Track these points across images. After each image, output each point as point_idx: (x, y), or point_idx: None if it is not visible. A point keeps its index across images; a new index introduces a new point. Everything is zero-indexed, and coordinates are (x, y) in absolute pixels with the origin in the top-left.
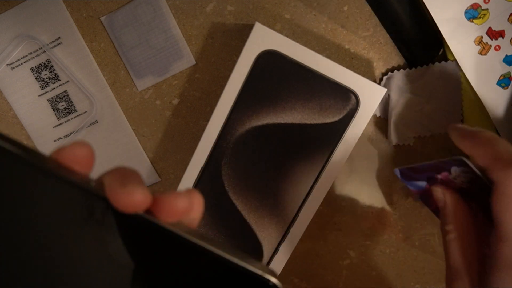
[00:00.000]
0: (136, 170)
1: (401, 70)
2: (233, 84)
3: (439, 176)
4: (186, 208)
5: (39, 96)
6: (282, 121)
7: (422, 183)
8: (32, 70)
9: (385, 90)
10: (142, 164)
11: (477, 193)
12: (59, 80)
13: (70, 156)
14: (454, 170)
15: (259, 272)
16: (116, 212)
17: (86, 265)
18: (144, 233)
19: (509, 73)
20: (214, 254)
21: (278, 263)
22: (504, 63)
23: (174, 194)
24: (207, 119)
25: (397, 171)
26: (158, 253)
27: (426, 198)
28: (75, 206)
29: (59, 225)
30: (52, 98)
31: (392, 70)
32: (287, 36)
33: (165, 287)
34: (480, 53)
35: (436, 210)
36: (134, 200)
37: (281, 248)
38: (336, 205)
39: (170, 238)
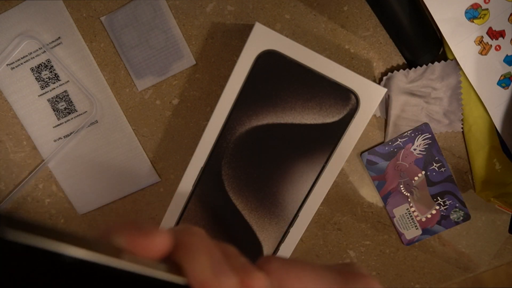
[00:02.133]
0: (211, 240)
1: (401, 70)
2: (233, 84)
3: (402, 151)
4: None
5: (39, 96)
6: (282, 121)
7: (384, 164)
8: (32, 70)
9: (385, 90)
10: (142, 164)
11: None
12: (59, 80)
13: (146, 247)
14: (417, 139)
15: (166, 277)
16: None
17: None
18: None
19: (509, 73)
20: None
21: None
22: (504, 63)
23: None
24: (207, 119)
25: (364, 156)
26: None
27: (381, 184)
28: None
29: None
30: (52, 98)
31: (392, 70)
32: (287, 36)
33: None
34: (481, 53)
35: (387, 195)
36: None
37: (281, 248)
38: (336, 205)
39: None
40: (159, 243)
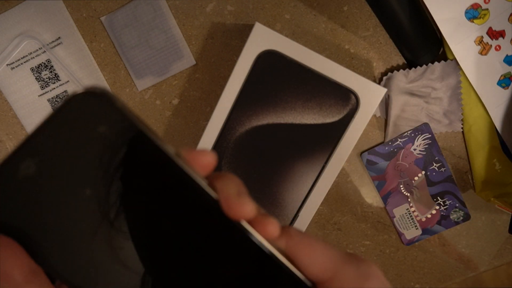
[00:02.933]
0: (242, 182)
1: (401, 70)
2: (233, 84)
3: (402, 151)
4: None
5: (39, 96)
6: (282, 121)
7: (384, 164)
8: (32, 70)
9: (385, 90)
10: None
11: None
12: (59, 80)
13: (198, 159)
14: (417, 139)
15: (302, 276)
16: (220, 214)
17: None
18: (237, 239)
19: (509, 73)
20: (284, 266)
21: None
22: (504, 63)
23: (271, 220)
24: (207, 119)
25: (364, 156)
26: (243, 258)
27: (381, 184)
28: (189, 199)
29: (172, 209)
30: (52, 98)
31: (392, 70)
32: (287, 36)
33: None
34: (481, 53)
35: (387, 195)
36: (246, 211)
37: None
38: (336, 205)
39: (258, 249)
40: (209, 159)
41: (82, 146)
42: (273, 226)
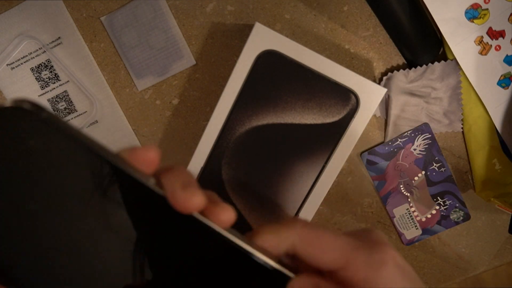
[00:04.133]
0: (191, 172)
1: (401, 70)
2: (233, 84)
3: (402, 151)
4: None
5: (39, 96)
6: (282, 121)
7: (384, 164)
8: (32, 70)
9: (385, 90)
10: None
11: None
12: (59, 80)
13: (140, 157)
14: (417, 139)
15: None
16: (171, 210)
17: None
18: (194, 232)
19: (509, 73)
20: (249, 253)
21: None
22: (504, 63)
23: (222, 206)
24: (207, 119)
25: (364, 156)
26: (204, 249)
27: (381, 184)
28: (135, 199)
29: (115, 207)
30: (52, 98)
31: (392, 70)
32: (287, 36)
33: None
34: (481, 53)
35: (387, 195)
36: (193, 203)
37: None
38: (336, 205)
39: (217, 238)
40: (151, 155)
41: (14, 160)
42: (227, 213)
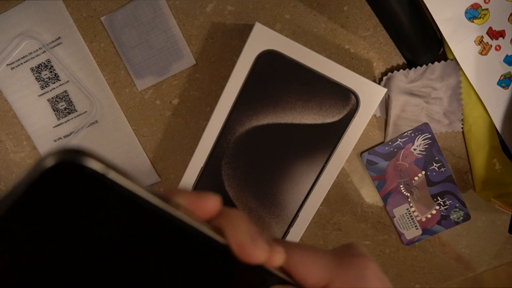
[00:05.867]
0: (247, 218)
1: (401, 70)
2: (233, 84)
3: (402, 151)
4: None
5: (39, 96)
6: (282, 121)
7: (384, 164)
8: (32, 70)
9: (385, 90)
10: (142, 164)
11: None
12: (59, 80)
13: (201, 207)
14: (417, 139)
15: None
16: (234, 260)
17: None
18: (259, 278)
19: (509, 73)
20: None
21: None
22: (504, 63)
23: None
24: (207, 119)
25: (364, 156)
26: None
27: (381, 184)
28: (193, 251)
29: (172, 261)
30: (52, 98)
31: (392, 70)
32: (287, 36)
33: None
34: (481, 53)
35: (387, 195)
36: (261, 256)
37: None
38: (336, 205)
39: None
40: (212, 205)
41: (66, 219)
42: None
